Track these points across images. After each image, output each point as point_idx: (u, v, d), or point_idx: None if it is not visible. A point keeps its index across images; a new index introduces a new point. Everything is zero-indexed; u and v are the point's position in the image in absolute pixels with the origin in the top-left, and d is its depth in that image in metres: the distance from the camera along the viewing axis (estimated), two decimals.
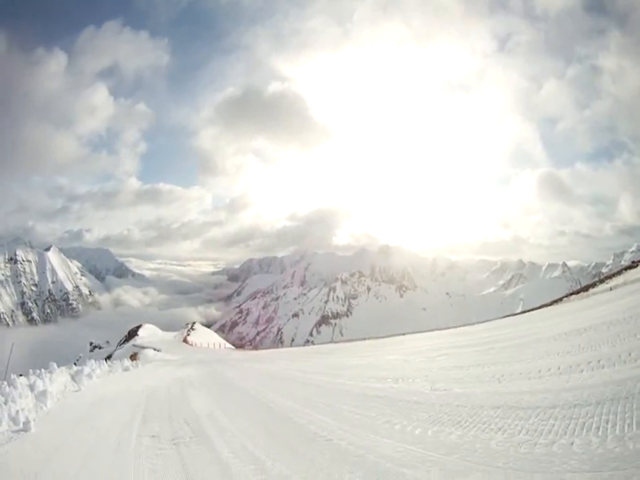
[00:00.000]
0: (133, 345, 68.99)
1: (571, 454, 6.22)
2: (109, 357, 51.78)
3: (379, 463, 7.17)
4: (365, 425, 9.51)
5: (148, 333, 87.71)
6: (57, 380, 16.18)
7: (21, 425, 10.15)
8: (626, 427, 6.58)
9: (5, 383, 12.43)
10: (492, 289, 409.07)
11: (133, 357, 45.15)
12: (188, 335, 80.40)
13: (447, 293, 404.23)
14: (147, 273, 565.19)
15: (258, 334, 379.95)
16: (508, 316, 40.67)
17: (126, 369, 26.67)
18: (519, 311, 54.51)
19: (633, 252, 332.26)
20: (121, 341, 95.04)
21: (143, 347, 59.14)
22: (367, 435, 8.80)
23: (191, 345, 68.54)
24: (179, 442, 9.42)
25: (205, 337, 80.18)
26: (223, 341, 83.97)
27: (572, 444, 6.51)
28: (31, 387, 13.45)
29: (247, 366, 30.30)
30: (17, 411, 10.63)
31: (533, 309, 39.46)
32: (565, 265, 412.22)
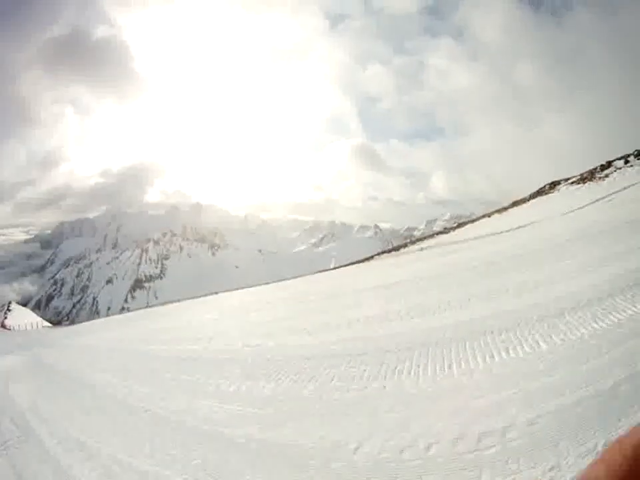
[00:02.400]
0: None
1: (384, 395, 6.59)
2: None
3: (197, 426, 7.31)
4: (180, 389, 9.61)
5: None
6: None
7: None
8: (437, 369, 7.07)
9: None
10: (303, 247, 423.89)
11: None
12: (5, 318, 75.14)
13: (259, 251, 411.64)
14: None
15: (74, 306, 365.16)
16: (320, 272, 42.17)
17: None
18: (330, 267, 56.75)
19: (445, 220, 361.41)
20: None
21: None
22: (183, 398, 8.91)
23: (9, 329, 64.05)
24: (8, 445, 8.84)
25: (22, 318, 74.42)
26: (39, 320, 77.81)
27: (384, 387, 6.88)
28: None
29: (65, 344, 28.77)
30: None
31: (344, 265, 41.27)
32: (377, 226, 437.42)
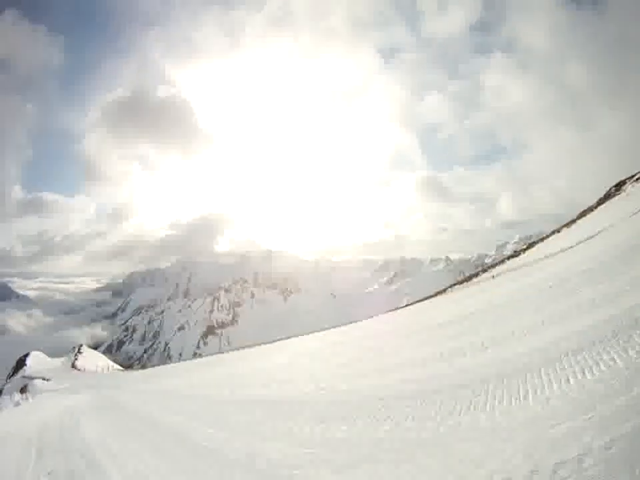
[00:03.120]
0: (22, 377, 66.08)
1: (459, 431, 6.36)
2: None
3: (267, 468, 7.10)
4: (251, 432, 9.45)
5: (36, 361, 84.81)
6: None
7: None
8: (513, 400, 6.82)
9: None
10: (375, 286, 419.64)
11: (23, 389, 44.34)
12: (76, 359, 78.13)
13: (332, 294, 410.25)
14: (31, 294, 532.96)
15: (145, 351, 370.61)
16: (392, 310, 41.72)
17: (17, 404, 26.12)
18: (403, 304, 56.10)
19: (515, 242, 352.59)
20: (9, 373, 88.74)
21: (32, 378, 57.30)
22: (253, 441, 8.72)
23: (80, 370, 66.75)
24: (74, 476, 9.02)
25: (93, 360, 78.44)
26: (110, 363, 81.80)
27: (459, 423, 6.65)
28: None
29: (136, 387, 29.89)
30: None
31: (416, 302, 40.75)
32: (447, 258, 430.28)
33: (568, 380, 6.66)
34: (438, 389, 8.70)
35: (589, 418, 5.22)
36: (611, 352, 7.08)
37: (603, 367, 6.65)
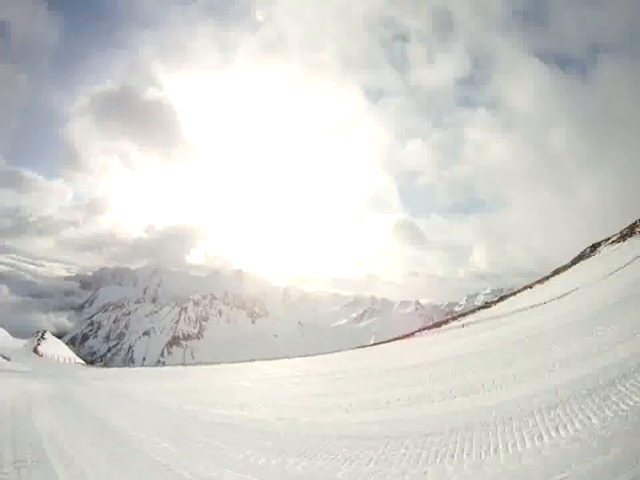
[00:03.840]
0: None
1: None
2: None
3: None
4: (207, 454, 9.16)
5: None
6: None
7: None
8: (482, 453, 6.54)
9: None
10: (344, 321, 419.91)
11: None
12: (38, 344, 76.61)
13: (299, 322, 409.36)
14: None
15: (109, 350, 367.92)
16: (360, 347, 41.42)
17: None
18: (370, 343, 55.89)
19: (487, 294, 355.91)
20: None
21: None
22: (208, 464, 8.40)
23: (41, 355, 66.10)
24: (20, 466, 8.74)
25: (55, 349, 76.88)
26: (73, 355, 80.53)
27: (425, 472, 6.36)
28: None
29: (96, 384, 29.37)
30: None
31: (385, 342, 40.49)
32: (417, 302, 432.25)
33: (541, 437, 6.44)
34: (403, 434, 8.40)
35: (565, 478, 4.96)
36: (586, 410, 6.90)
37: (577, 425, 6.46)
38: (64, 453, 9.69)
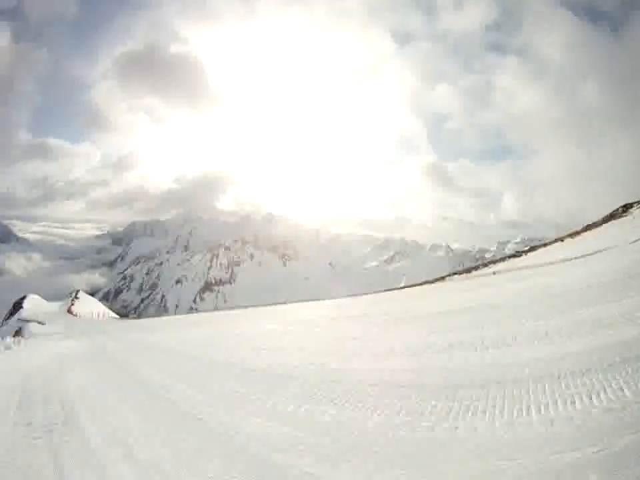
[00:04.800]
0: (18, 319, 67.09)
1: (455, 439, 5.90)
2: None
3: (248, 445, 6.73)
4: (236, 402, 9.12)
5: (33, 304, 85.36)
6: None
7: None
8: (514, 411, 6.32)
9: None
10: (375, 263, 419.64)
11: (17, 332, 45.02)
12: (72, 304, 78.94)
13: (330, 264, 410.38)
14: (31, 237, 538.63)
15: (142, 301, 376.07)
16: (390, 290, 41.40)
17: (7, 347, 25.62)
18: (401, 285, 55.75)
19: (517, 243, 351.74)
20: (6, 315, 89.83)
21: (28, 321, 58.15)
22: (237, 412, 8.41)
23: (75, 315, 67.24)
24: (52, 429, 8.86)
25: (89, 307, 78.60)
26: (107, 310, 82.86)
27: (456, 428, 6.19)
28: None
29: (128, 337, 29.96)
30: None
31: (416, 285, 40.37)
32: (448, 246, 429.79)
33: (574, 402, 6.11)
34: (434, 384, 8.21)
35: (597, 452, 4.73)
36: (620, 380, 6.48)
37: (610, 395, 6.08)
38: (94, 411, 9.94)
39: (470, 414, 6.58)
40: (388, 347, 12.36)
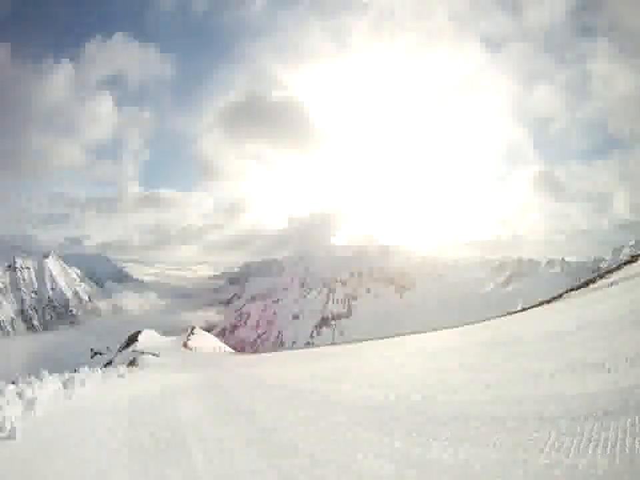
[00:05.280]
0: (132, 351, 69.00)
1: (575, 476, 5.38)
2: (109, 363, 53.50)
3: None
4: (347, 440, 8.76)
5: (147, 338, 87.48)
6: (47, 387, 15.94)
7: (7, 433, 10.15)
8: (637, 443, 5.69)
9: None
10: (491, 286, 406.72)
11: (131, 362, 45.49)
12: (188, 339, 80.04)
13: (448, 292, 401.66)
14: (146, 278, 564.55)
15: (259, 337, 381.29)
16: (506, 315, 39.92)
17: (121, 376, 26.38)
18: (518, 308, 53.69)
19: (632, 246, 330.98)
20: (121, 347, 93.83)
21: (142, 353, 59.30)
22: (348, 452, 8.00)
23: (191, 349, 68.37)
24: (158, 450, 9.18)
25: (205, 341, 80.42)
26: (222, 345, 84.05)
27: (575, 466, 5.63)
28: (20, 395, 13.24)
29: (242, 372, 29.88)
30: (3, 418, 10.49)
31: (531, 307, 38.75)
32: (563, 260, 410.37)
33: None
34: (554, 416, 7.57)
35: None
36: None
37: None
38: (202, 436, 10.09)
39: (590, 449, 5.95)
40: (507, 375, 11.88)
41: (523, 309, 41.40)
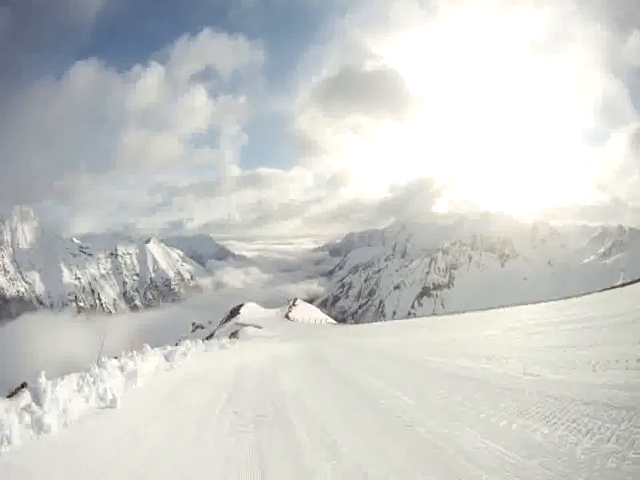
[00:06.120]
0: (235, 323, 70.16)
1: None
2: (210, 336, 54.04)
3: (456, 459, 6.39)
4: (448, 411, 8.72)
5: (250, 311, 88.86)
6: (149, 360, 16.03)
7: (108, 402, 10.41)
8: None
9: (96, 365, 12.47)
10: (592, 258, 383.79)
11: (233, 334, 46.51)
12: (290, 311, 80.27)
13: (549, 262, 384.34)
14: (248, 254, 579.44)
15: (360, 307, 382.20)
16: (607, 289, 37.81)
17: (222, 347, 26.51)
18: (619, 282, 50.53)
19: None
20: (222, 320, 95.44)
21: (244, 325, 60.30)
22: (448, 422, 7.99)
23: (293, 320, 68.62)
24: (260, 421, 9.24)
25: (307, 313, 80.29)
26: (324, 316, 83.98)
27: None
28: (122, 368, 13.41)
29: (344, 341, 29.95)
30: (105, 389, 10.78)
31: (633, 282, 36.47)
32: None
33: None
34: None
35: None
36: None
37: None
38: (305, 409, 10.10)
39: None
40: (604, 357, 11.21)
41: (624, 284, 39.10)
